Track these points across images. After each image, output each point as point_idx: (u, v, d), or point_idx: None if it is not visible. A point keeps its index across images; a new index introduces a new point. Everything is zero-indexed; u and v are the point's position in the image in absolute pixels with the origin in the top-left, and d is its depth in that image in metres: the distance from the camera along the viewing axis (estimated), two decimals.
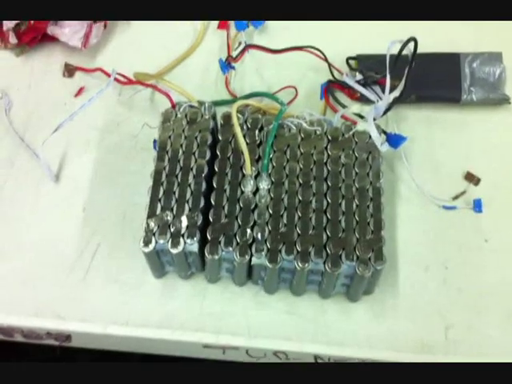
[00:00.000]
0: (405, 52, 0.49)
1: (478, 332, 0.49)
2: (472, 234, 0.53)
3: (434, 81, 0.58)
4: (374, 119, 0.52)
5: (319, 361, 0.50)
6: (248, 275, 0.49)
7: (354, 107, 0.54)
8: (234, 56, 0.56)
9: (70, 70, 0.58)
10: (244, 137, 0.49)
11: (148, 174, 0.49)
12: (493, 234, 0.53)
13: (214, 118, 0.51)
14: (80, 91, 0.57)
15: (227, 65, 0.56)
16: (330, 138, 0.50)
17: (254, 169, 0.48)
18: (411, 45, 0.48)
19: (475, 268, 0.52)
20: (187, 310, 0.49)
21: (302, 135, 0.50)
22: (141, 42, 0.61)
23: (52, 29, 0.57)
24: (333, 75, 0.58)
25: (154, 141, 0.51)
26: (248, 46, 0.57)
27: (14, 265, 0.51)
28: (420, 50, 0.58)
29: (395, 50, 0.49)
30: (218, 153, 0.49)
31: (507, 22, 0.61)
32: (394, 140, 0.53)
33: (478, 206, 0.54)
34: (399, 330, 0.49)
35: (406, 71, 0.48)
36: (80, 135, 0.55)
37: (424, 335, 0.49)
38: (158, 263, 0.48)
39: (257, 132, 0.50)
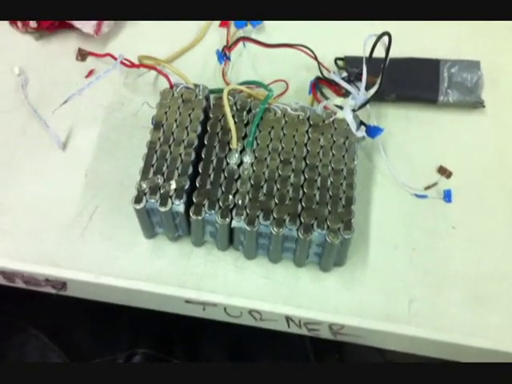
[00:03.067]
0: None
1: (438, 308, 0.53)
2: (441, 221, 0.58)
3: (414, 82, 0.63)
4: (354, 110, 0.57)
5: (291, 324, 0.54)
6: (230, 241, 0.54)
7: (337, 100, 0.59)
8: (229, 45, 0.62)
9: (82, 55, 0.64)
10: (233, 117, 0.54)
11: (145, 150, 0.55)
12: (460, 223, 0.58)
13: (207, 99, 0.57)
14: (90, 73, 0.63)
15: (223, 55, 0.62)
16: (311, 122, 0.56)
17: (239, 144, 0.54)
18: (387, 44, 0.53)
19: (441, 252, 0.56)
20: (173, 269, 0.54)
21: (286, 119, 0.56)
22: (149, 34, 0.67)
23: None
24: (322, 73, 0.64)
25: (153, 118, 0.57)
26: (242, 38, 0.63)
27: (19, 218, 0.56)
28: (404, 55, 0.64)
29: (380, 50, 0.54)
30: (208, 128, 0.54)
31: (487, 33, 0.68)
32: (373, 131, 0.58)
33: (447, 196, 0.59)
34: (365, 300, 0.53)
35: (382, 66, 0.54)
36: (88, 111, 0.61)
37: (389, 307, 0.53)
38: (149, 223, 0.53)
39: (245, 113, 0.55)
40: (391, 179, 0.59)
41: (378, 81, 0.57)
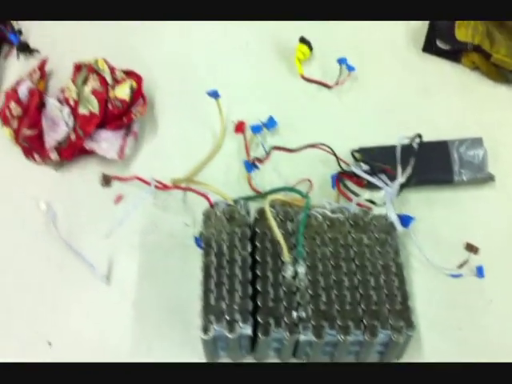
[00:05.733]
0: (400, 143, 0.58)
1: None
2: (478, 296, 0.61)
3: (429, 165, 0.67)
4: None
5: None
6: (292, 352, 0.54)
7: (366, 194, 0.61)
8: (262, 158, 0.64)
9: (106, 180, 0.64)
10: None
11: (188, 269, 0.57)
12: (495, 295, 0.60)
13: (248, 213, 0.58)
14: (119, 198, 0.63)
15: (252, 165, 0.64)
16: (351, 223, 0.57)
17: (290, 256, 0.55)
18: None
19: (484, 328, 0.59)
20: None
21: (328, 222, 0.57)
22: (166, 150, 0.68)
23: (89, 144, 0.63)
24: (340, 167, 0.66)
25: (196, 238, 0.58)
26: (274, 148, 0.64)
27: (79, 360, 0.55)
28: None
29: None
30: (258, 244, 0.55)
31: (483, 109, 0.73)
32: (404, 220, 0.61)
33: (480, 271, 0.62)
34: None
35: (411, 161, 0.57)
36: (123, 239, 0.61)
37: None
38: (213, 349, 0.53)
39: (288, 223, 0.57)
40: (425, 263, 0.62)
41: (408, 171, 0.60)
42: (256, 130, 0.68)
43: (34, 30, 0.76)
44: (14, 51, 0.74)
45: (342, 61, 0.73)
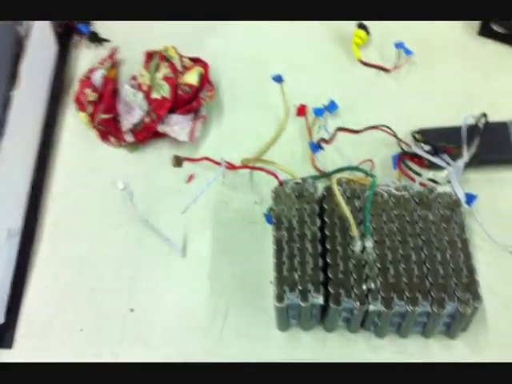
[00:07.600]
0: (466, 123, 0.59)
1: None
2: None
3: (489, 146, 0.68)
4: (449, 181, 0.62)
5: None
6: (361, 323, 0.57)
7: (430, 174, 0.63)
8: (328, 138, 0.66)
9: (178, 161, 0.67)
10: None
11: (257, 244, 0.61)
12: None
13: (315, 190, 0.60)
14: (191, 178, 0.67)
15: (317, 146, 0.66)
16: (416, 200, 0.59)
17: (358, 231, 0.57)
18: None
19: None
20: (311, 357, 0.57)
21: (393, 200, 0.59)
22: (233, 133, 0.71)
23: (162, 127, 0.67)
24: (401, 147, 0.68)
25: (266, 215, 0.61)
26: (338, 129, 0.67)
27: (157, 329, 0.59)
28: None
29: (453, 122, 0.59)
30: (327, 220, 0.58)
31: None
32: (468, 198, 0.62)
33: None
34: (495, 361, 0.57)
35: (476, 140, 0.59)
36: (196, 215, 0.64)
37: None
38: (286, 317, 0.56)
39: (355, 200, 0.59)
40: (488, 240, 0.63)
41: (471, 151, 0.62)
42: (318, 112, 0.70)
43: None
44: (83, 41, 0.78)
45: (399, 45, 0.75)
